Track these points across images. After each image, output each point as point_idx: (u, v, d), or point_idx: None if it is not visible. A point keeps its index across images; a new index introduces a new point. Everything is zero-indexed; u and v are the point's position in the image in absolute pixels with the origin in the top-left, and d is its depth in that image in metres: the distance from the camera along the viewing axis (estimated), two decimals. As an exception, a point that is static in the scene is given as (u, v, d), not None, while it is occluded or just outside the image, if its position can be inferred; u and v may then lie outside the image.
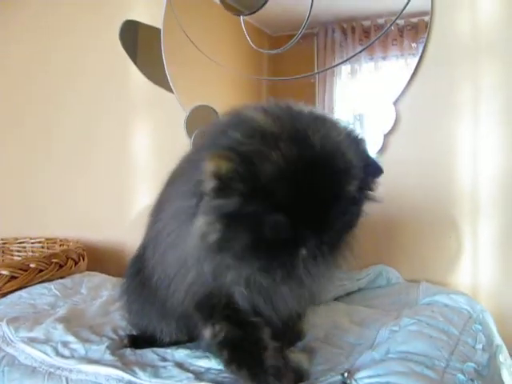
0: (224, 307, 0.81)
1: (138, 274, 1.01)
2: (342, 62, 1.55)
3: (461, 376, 0.85)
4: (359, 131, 1.49)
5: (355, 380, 0.82)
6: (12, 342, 1.02)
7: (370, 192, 0.80)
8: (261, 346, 0.81)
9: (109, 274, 1.60)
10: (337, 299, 1.31)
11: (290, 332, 0.95)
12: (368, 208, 0.82)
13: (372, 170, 0.79)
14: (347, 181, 0.73)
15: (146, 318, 1.01)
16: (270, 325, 0.83)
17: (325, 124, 0.76)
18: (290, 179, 0.69)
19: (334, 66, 1.56)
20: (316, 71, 1.58)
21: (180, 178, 0.87)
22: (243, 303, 0.80)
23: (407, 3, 1.43)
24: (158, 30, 1.73)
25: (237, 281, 0.78)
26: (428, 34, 1.43)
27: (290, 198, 0.69)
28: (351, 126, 0.83)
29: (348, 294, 1.36)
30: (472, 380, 0.85)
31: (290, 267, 0.73)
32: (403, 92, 1.46)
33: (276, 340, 0.86)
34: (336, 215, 0.72)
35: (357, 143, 0.78)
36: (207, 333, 0.83)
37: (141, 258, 1.00)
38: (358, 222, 0.80)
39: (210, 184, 0.69)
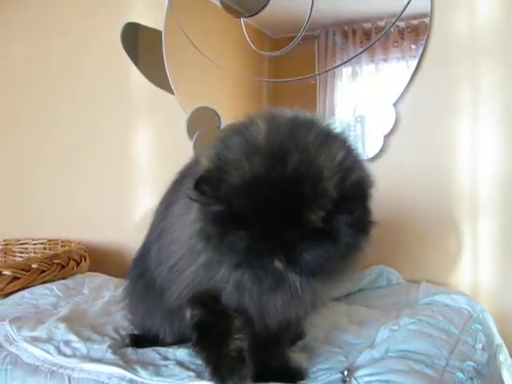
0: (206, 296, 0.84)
1: (141, 276, 1.01)
2: (342, 64, 1.56)
3: (460, 375, 0.85)
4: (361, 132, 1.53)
5: (355, 378, 0.82)
6: (15, 341, 1.03)
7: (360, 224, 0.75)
8: (225, 334, 0.83)
9: (110, 275, 1.61)
10: (337, 299, 1.31)
11: (291, 332, 0.95)
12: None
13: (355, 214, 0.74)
14: (309, 208, 0.70)
15: (150, 320, 1.01)
16: (255, 327, 0.84)
17: (320, 146, 0.74)
18: (249, 193, 0.71)
19: (335, 68, 1.57)
20: (317, 73, 1.59)
21: (186, 179, 0.89)
22: (228, 302, 0.82)
23: (406, 5, 1.44)
24: (159, 32, 1.74)
25: (227, 278, 0.79)
26: (427, 36, 1.43)
27: (248, 212, 0.71)
28: (360, 160, 0.78)
29: (348, 295, 1.36)
30: (471, 379, 0.86)
31: (271, 275, 0.75)
32: (403, 93, 1.46)
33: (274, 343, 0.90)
34: (297, 240, 0.71)
35: (350, 176, 0.73)
36: (187, 314, 0.87)
37: (143, 259, 1.01)
38: (354, 249, 0.77)
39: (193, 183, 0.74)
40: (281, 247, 0.72)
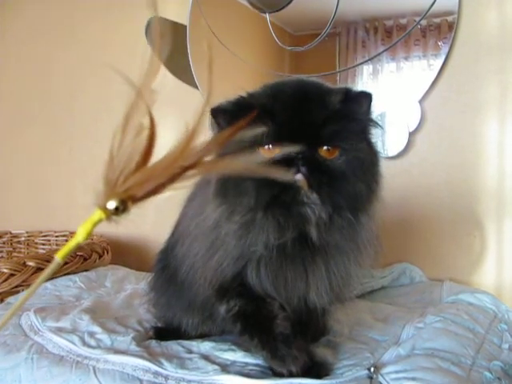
0: (237, 286, 0.85)
1: (164, 269, 1.02)
2: (364, 62, 1.55)
3: (488, 374, 0.84)
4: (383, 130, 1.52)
5: (381, 375, 0.82)
6: (40, 330, 1.03)
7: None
8: (270, 317, 0.84)
9: (131, 268, 1.61)
10: (360, 297, 1.31)
11: (314, 327, 0.95)
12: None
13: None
14: (327, 94, 0.80)
15: (172, 312, 1.02)
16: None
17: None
18: (272, 96, 0.80)
19: (356, 66, 1.56)
20: (338, 70, 1.58)
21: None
22: (253, 281, 0.83)
23: (433, 3, 1.43)
24: (183, 27, 1.74)
25: (257, 239, 0.80)
26: (454, 33, 1.42)
27: (270, 108, 0.77)
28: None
29: (371, 292, 1.35)
30: (499, 379, 0.85)
31: (287, 195, 0.77)
32: (429, 91, 1.45)
33: (301, 335, 0.88)
34: (319, 122, 0.77)
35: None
36: (222, 309, 0.87)
37: (168, 252, 1.02)
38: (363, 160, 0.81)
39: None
40: (305, 130, 0.77)
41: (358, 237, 0.84)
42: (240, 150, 0.73)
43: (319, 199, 0.77)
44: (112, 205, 0.45)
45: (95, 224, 0.48)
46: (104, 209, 0.46)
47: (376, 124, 0.85)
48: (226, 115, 0.82)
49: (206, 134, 0.58)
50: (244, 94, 0.83)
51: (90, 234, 0.50)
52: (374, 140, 0.85)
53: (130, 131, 0.53)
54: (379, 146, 0.87)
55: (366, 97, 0.83)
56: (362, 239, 0.85)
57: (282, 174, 0.72)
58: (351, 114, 0.80)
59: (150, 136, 0.49)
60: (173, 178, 0.52)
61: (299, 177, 0.75)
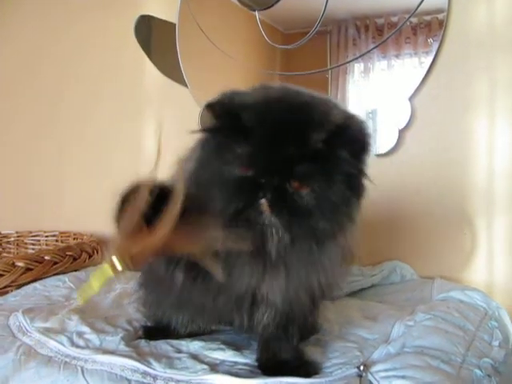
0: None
1: (151, 267, 1.01)
2: (355, 59, 1.55)
3: (478, 371, 0.84)
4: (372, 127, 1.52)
5: (371, 373, 0.81)
6: (28, 331, 1.02)
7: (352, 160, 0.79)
8: None
9: (122, 268, 1.60)
10: (350, 295, 1.31)
11: (302, 326, 0.94)
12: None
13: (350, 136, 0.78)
14: (312, 127, 0.76)
15: (161, 310, 1.01)
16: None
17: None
18: (259, 109, 0.77)
19: (347, 63, 1.56)
20: (328, 67, 1.58)
21: None
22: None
23: (422, 1, 1.43)
24: (172, 25, 1.73)
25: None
26: (444, 31, 1.42)
27: (255, 123, 0.76)
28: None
29: (361, 290, 1.35)
30: (489, 376, 0.85)
31: (250, 213, 0.76)
32: (418, 88, 1.46)
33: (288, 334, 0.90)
34: (296, 156, 0.75)
35: (355, 117, 0.82)
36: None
37: None
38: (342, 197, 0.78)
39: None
40: (279, 162, 0.75)
41: (319, 262, 0.83)
42: (217, 163, 0.77)
43: (280, 224, 0.76)
44: (118, 265, 0.57)
45: (106, 279, 0.61)
46: (113, 267, 0.60)
47: (363, 174, 0.81)
48: (216, 113, 0.80)
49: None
50: (231, 96, 0.80)
51: (102, 287, 0.62)
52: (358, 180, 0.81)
53: (137, 203, 0.64)
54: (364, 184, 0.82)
55: (357, 144, 0.79)
56: (325, 264, 0.83)
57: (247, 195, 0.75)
58: (333, 158, 0.77)
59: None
60: (166, 248, 0.63)
61: (263, 201, 0.75)
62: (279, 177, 0.75)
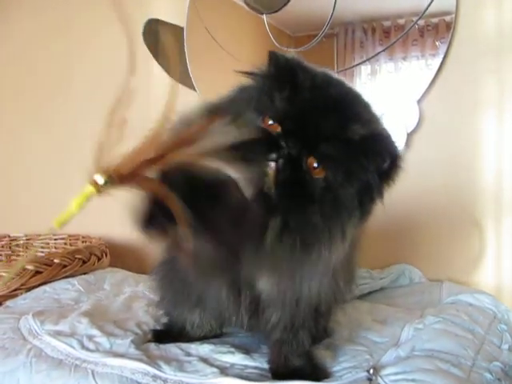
0: None
1: (169, 263, 0.99)
2: (362, 62, 1.55)
3: (488, 375, 0.84)
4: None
5: (381, 377, 0.82)
6: (38, 334, 1.03)
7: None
8: None
9: (130, 271, 1.61)
10: (359, 298, 1.31)
11: (315, 329, 0.94)
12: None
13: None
14: (358, 117, 0.74)
15: (177, 310, 1.01)
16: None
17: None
18: (317, 79, 0.76)
19: (354, 67, 1.56)
20: (335, 71, 1.58)
21: None
22: None
23: (430, 4, 1.43)
24: (180, 29, 1.74)
25: None
26: (452, 33, 1.42)
27: (303, 90, 0.73)
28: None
29: (370, 293, 1.35)
30: (499, 380, 0.85)
31: (256, 167, 0.70)
32: (427, 91, 1.45)
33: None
34: (325, 135, 0.72)
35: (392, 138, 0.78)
36: None
37: None
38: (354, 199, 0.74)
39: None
40: (308, 131, 0.71)
41: (299, 265, 0.76)
42: (249, 105, 0.74)
43: (277, 197, 0.71)
44: (100, 179, 0.50)
45: (87, 197, 0.53)
46: (94, 183, 0.52)
47: (379, 197, 0.76)
48: (275, 61, 0.78)
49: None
50: (297, 57, 0.80)
51: (82, 207, 0.54)
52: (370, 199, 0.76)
53: (115, 122, 0.56)
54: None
55: (391, 162, 0.74)
56: (300, 274, 0.78)
57: (261, 150, 0.70)
58: (361, 158, 0.72)
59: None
60: (152, 161, 0.56)
61: (272, 165, 0.71)
62: (301, 146, 0.71)
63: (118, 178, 0.55)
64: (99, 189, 0.53)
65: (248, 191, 0.66)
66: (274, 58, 0.78)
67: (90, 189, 0.53)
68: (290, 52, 0.80)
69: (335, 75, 0.83)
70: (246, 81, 0.82)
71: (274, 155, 0.71)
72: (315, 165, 0.72)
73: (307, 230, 0.73)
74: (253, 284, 0.82)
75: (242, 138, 0.67)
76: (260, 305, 0.86)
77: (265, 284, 0.81)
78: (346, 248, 0.76)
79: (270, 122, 0.73)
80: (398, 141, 0.79)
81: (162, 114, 0.55)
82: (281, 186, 0.71)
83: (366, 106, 0.79)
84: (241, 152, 0.65)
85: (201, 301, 0.94)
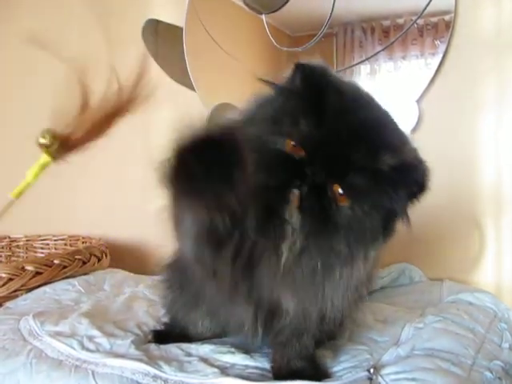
0: None
1: (173, 264, 0.99)
2: (361, 62, 1.55)
3: (488, 374, 0.84)
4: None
5: (381, 376, 0.81)
6: (38, 335, 1.03)
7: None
8: None
9: (130, 271, 1.61)
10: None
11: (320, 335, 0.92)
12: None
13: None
14: (389, 146, 0.71)
15: (188, 311, 0.99)
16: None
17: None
18: (348, 100, 0.72)
19: (353, 66, 1.56)
20: (335, 69, 1.58)
21: None
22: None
23: (428, 3, 1.43)
24: (180, 29, 1.74)
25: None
26: (451, 32, 1.42)
27: (332, 114, 0.69)
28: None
29: (370, 293, 1.34)
30: (500, 378, 0.85)
31: (277, 196, 0.68)
32: (426, 90, 1.45)
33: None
34: (353, 165, 0.69)
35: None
36: None
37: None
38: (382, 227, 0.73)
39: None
40: (336, 160, 0.68)
41: (320, 286, 0.76)
42: (270, 126, 0.70)
43: (299, 225, 0.70)
44: (44, 140, 0.52)
45: (42, 166, 0.54)
46: (42, 146, 0.52)
47: (404, 218, 0.75)
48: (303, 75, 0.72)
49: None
50: (326, 69, 0.75)
51: (37, 176, 0.56)
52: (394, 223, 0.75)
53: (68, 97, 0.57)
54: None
55: (419, 190, 0.74)
56: (325, 291, 0.77)
57: (281, 178, 0.68)
58: (390, 189, 0.70)
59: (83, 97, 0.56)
60: (103, 123, 0.57)
61: (296, 192, 0.68)
62: (326, 175, 0.69)
63: (65, 141, 0.54)
64: (50, 153, 0.53)
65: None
66: (301, 71, 0.73)
67: (44, 157, 0.54)
68: (317, 59, 0.74)
69: (363, 90, 0.78)
70: (264, 92, 0.77)
71: (297, 182, 0.69)
72: (340, 192, 0.69)
73: (330, 256, 0.72)
74: (277, 302, 0.80)
75: (263, 162, 0.66)
76: (276, 316, 0.84)
77: (289, 303, 0.79)
78: (368, 268, 0.77)
79: (294, 144, 0.70)
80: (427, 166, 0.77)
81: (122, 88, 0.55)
82: (305, 213, 0.69)
83: (395, 130, 0.76)
84: (263, 177, 0.65)
85: (211, 309, 0.94)
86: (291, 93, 0.72)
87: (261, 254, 0.73)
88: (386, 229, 0.74)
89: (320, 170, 0.68)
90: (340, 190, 0.69)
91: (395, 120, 0.78)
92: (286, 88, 0.74)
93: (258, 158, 0.63)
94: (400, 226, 0.78)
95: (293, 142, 0.69)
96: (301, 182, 0.68)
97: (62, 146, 0.55)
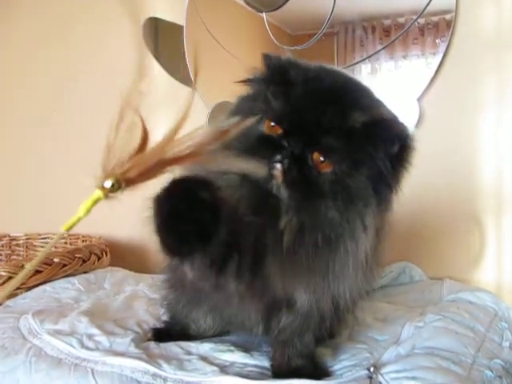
0: None
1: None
2: (362, 60, 1.55)
3: (489, 373, 0.84)
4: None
5: (381, 375, 0.81)
6: (38, 333, 1.03)
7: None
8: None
9: (130, 270, 1.60)
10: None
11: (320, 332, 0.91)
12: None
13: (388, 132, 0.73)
14: (357, 104, 0.73)
15: (191, 310, 1.00)
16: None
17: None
18: (309, 73, 0.76)
19: (354, 65, 1.56)
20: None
21: None
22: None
23: (429, 2, 1.43)
24: (180, 27, 1.73)
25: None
26: (452, 31, 1.42)
27: (297, 87, 0.73)
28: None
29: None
30: (500, 377, 0.85)
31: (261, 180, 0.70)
32: (427, 89, 1.45)
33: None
34: (327, 128, 0.71)
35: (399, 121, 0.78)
36: None
37: None
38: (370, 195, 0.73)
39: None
40: (309, 127, 0.71)
41: (327, 263, 0.74)
42: (249, 114, 0.70)
43: (289, 200, 0.71)
44: (108, 184, 0.51)
45: (95, 202, 0.53)
46: (102, 188, 0.52)
47: (395, 182, 0.75)
48: (268, 63, 0.79)
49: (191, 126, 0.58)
50: (288, 56, 0.81)
51: (89, 211, 0.55)
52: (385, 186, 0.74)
53: (123, 125, 0.56)
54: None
55: (400, 147, 0.73)
56: (335, 269, 0.75)
57: (265, 154, 0.70)
58: (367, 146, 0.71)
59: (143, 132, 0.54)
60: (162, 165, 0.56)
61: (278, 166, 0.70)
62: (304, 143, 0.71)
63: (125, 181, 0.55)
64: (107, 193, 0.54)
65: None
66: (266, 60, 0.79)
67: (98, 193, 0.54)
68: (287, 51, 0.79)
69: (333, 67, 0.83)
70: (246, 89, 0.83)
71: (278, 156, 0.71)
72: (321, 159, 0.71)
73: (325, 226, 0.72)
74: (287, 292, 0.79)
75: (244, 145, 0.70)
76: (277, 310, 0.84)
77: (300, 292, 0.78)
78: (370, 239, 0.75)
79: (272, 124, 0.73)
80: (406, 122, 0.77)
81: (177, 121, 0.55)
82: (289, 185, 0.71)
83: (364, 92, 0.79)
84: (245, 158, 0.65)
85: (214, 307, 0.94)
86: (262, 80, 0.79)
87: (263, 247, 0.72)
88: (378, 192, 0.73)
89: (296, 140, 0.71)
90: (320, 158, 0.71)
91: (365, 86, 0.81)
92: (257, 78, 0.80)
93: (242, 140, 0.68)
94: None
95: (272, 123, 0.73)
96: (281, 156, 0.70)
97: (119, 187, 0.54)
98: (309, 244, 0.72)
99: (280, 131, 0.72)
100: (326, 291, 0.77)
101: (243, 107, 0.79)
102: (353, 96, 0.75)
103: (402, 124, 0.76)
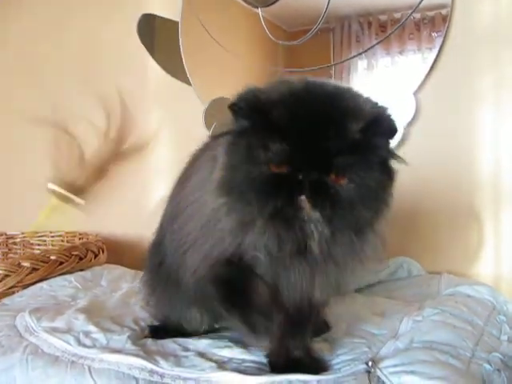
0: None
1: (160, 265, 1.00)
2: (358, 54, 1.55)
3: (487, 366, 0.84)
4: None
5: (380, 369, 0.81)
6: (35, 331, 1.02)
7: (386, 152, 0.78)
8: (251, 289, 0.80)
9: (127, 267, 1.60)
10: (357, 291, 1.30)
11: (315, 323, 0.93)
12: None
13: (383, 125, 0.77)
14: (348, 116, 0.74)
15: (174, 310, 1.01)
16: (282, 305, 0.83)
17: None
18: (288, 104, 0.74)
19: (351, 59, 1.56)
20: (332, 63, 1.58)
21: (202, 155, 0.92)
22: (262, 271, 0.80)
23: (424, -4, 1.43)
24: (175, 23, 1.73)
25: (255, 243, 0.77)
26: (448, 26, 1.42)
27: (286, 120, 0.73)
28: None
29: (368, 286, 1.35)
30: (498, 370, 0.84)
31: (289, 210, 0.74)
32: (423, 83, 1.45)
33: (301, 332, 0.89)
34: (333, 150, 0.72)
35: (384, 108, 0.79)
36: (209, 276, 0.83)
37: (160, 247, 1.00)
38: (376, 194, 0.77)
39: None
40: (316, 156, 0.72)
41: (359, 252, 0.81)
42: (250, 164, 0.73)
43: (321, 218, 0.74)
44: (55, 187, 0.52)
45: (52, 208, 0.54)
46: (54, 193, 0.53)
47: (397, 157, 0.79)
48: (242, 112, 0.76)
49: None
50: (255, 93, 0.76)
51: (49, 216, 0.57)
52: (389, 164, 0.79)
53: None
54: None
55: (392, 131, 0.77)
56: (364, 254, 0.81)
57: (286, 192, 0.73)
58: (369, 147, 0.75)
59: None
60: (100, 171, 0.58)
61: (303, 198, 0.73)
62: (317, 171, 0.72)
63: (73, 186, 0.56)
64: (61, 197, 0.55)
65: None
66: (238, 110, 0.75)
67: (53, 200, 0.55)
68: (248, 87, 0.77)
69: (296, 82, 0.80)
70: (226, 139, 0.79)
71: (298, 190, 0.73)
72: (336, 177, 0.74)
73: (356, 225, 0.78)
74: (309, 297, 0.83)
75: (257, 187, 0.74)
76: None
77: (318, 293, 0.83)
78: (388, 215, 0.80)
79: (275, 166, 0.73)
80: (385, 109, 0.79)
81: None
82: (319, 206, 0.74)
83: (347, 95, 0.79)
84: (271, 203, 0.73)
85: (198, 300, 0.94)
86: (244, 131, 0.76)
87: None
88: (387, 173, 0.78)
89: (309, 171, 0.73)
90: (334, 176, 0.74)
91: (345, 87, 0.82)
92: (235, 130, 0.77)
93: (258, 190, 0.73)
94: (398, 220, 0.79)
95: (274, 165, 0.73)
96: (301, 188, 0.73)
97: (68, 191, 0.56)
98: (341, 244, 0.78)
99: (286, 170, 0.73)
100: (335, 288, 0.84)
101: (243, 162, 0.76)
102: (340, 107, 0.75)
103: (382, 107, 0.79)
